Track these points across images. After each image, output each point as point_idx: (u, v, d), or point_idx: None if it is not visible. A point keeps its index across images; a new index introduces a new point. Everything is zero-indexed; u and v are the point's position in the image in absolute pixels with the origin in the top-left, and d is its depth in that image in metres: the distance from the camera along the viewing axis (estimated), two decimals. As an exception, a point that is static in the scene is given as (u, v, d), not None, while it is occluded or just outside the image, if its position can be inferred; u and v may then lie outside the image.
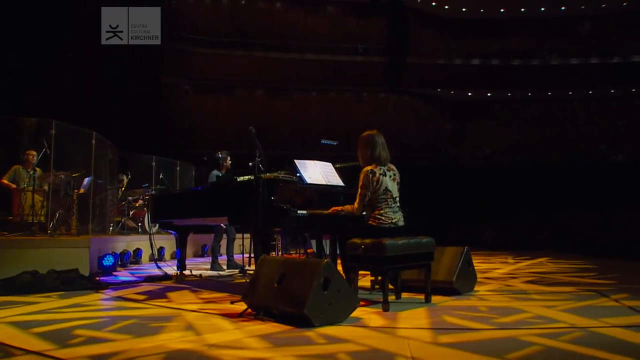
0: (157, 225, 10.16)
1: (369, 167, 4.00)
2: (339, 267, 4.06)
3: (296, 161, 4.45)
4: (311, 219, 4.08)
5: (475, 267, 4.95)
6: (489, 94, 22.68)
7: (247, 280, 4.84)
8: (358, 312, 3.45)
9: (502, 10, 21.71)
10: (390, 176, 4.04)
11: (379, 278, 4.74)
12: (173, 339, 2.82)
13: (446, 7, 21.68)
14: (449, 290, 4.40)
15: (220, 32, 20.38)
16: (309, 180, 4.41)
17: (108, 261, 6.67)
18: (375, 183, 3.94)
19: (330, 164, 4.84)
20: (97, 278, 5.88)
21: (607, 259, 8.71)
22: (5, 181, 7.46)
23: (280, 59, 20.43)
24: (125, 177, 10.36)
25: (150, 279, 5.95)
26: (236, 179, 4.45)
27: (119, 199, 10.01)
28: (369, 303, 3.99)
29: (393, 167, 4.13)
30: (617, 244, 9.75)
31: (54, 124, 7.04)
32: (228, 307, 3.86)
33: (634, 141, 19.89)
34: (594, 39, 21.32)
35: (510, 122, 22.67)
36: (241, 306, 3.58)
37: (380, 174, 3.98)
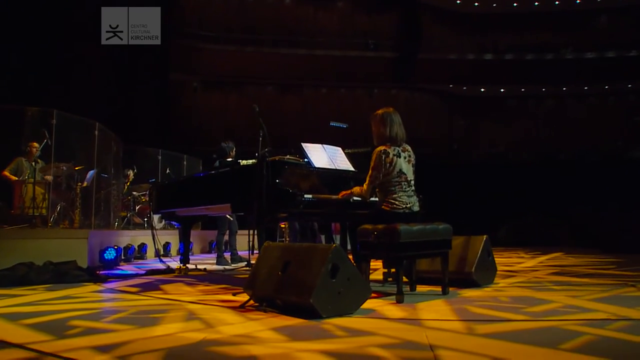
0: (164, 221, 9.97)
1: (382, 147, 3.70)
2: (350, 258, 3.77)
3: (303, 144, 4.18)
4: (319, 204, 3.78)
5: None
6: (502, 90, 22.25)
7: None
8: (370, 304, 3.17)
9: (515, 4, 21.27)
10: (405, 157, 3.74)
11: (392, 270, 4.45)
12: (176, 331, 2.55)
13: (458, 1, 21.28)
14: (467, 281, 4.10)
15: (229, 28, 20.17)
16: (316, 164, 4.12)
17: (110, 255, 6.44)
18: (388, 165, 3.65)
19: (339, 149, 4.56)
20: (98, 272, 5.66)
21: (625, 254, 8.43)
22: (6, 173, 7.27)
23: (290, 54, 20.19)
24: (131, 172, 10.16)
25: (152, 272, 5.70)
26: (239, 162, 4.18)
27: (125, 193, 9.81)
28: (382, 295, 3.70)
29: (408, 148, 3.83)
30: (634, 240, 9.45)
31: (55, 114, 6.84)
32: (230, 298, 3.59)
33: (652, 137, 19.42)
34: (610, 32, 20.80)
35: (524, 118, 22.22)
36: (244, 298, 3.31)
37: (394, 155, 3.68)
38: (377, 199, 3.82)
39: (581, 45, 20.91)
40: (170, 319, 2.88)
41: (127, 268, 6.59)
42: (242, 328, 2.61)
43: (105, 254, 6.41)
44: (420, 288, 4.05)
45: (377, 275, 4.69)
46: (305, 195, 3.64)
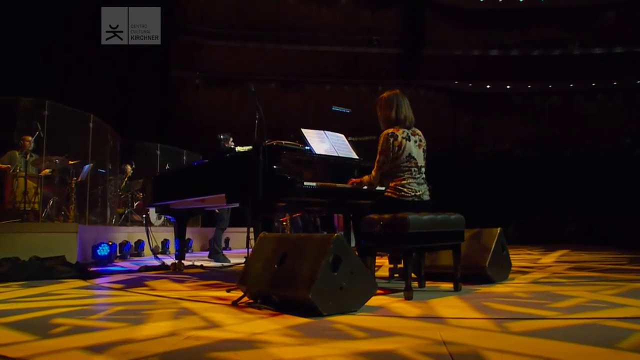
0: (162, 217, 9.71)
1: (389, 130, 3.40)
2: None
3: (303, 130, 3.89)
4: (321, 193, 3.49)
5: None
6: (508, 86, 21.93)
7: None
8: (375, 301, 2.88)
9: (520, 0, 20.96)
10: (415, 141, 3.44)
11: (399, 266, 4.17)
12: (169, 330, 2.26)
13: (462, -3, 21.00)
14: (480, 277, 3.80)
15: (231, 25, 19.91)
16: (317, 151, 3.83)
17: (103, 251, 6.19)
18: (396, 148, 3.34)
19: (342, 135, 4.27)
20: (90, 268, 5.40)
21: (636, 250, 8.14)
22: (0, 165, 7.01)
23: (292, 51, 19.94)
24: (129, 167, 9.89)
25: (146, 268, 5.44)
26: (234, 149, 3.90)
27: (122, 189, 9.54)
28: (388, 291, 3.42)
29: (419, 132, 3.52)
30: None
31: (47, 105, 6.57)
32: (224, 295, 3.31)
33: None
34: (618, 27, 20.43)
35: (530, 115, 21.90)
36: (238, 294, 3.03)
37: (403, 138, 3.37)
38: (383, 187, 3.53)
39: (588, 40, 20.55)
40: (159, 317, 2.61)
41: (122, 265, 6.33)
42: (245, 328, 2.30)
43: (98, 250, 6.16)
44: (428, 284, 3.76)
45: (382, 272, 4.42)
46: (306, 183, 3.35)
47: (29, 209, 6.66)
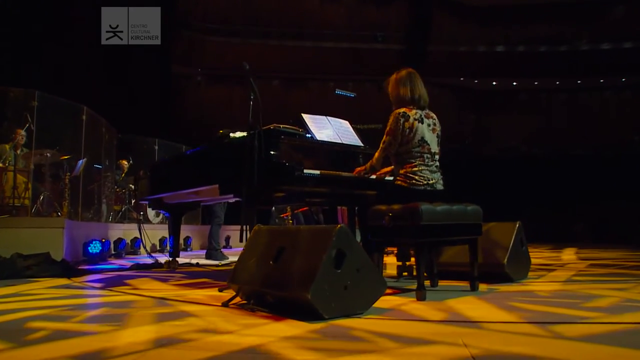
0: (160, 215, 9.41)
1: (400, 109, 3.06)
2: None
3: (304, 115, 3.56)
4: (324, 181, 3.15)
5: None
6: (514, 83, 21.57)
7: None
8: (385, 302, 2.56)
9: (527, -5, 20.58)
10: (428, 125, 3.10)
11: (408, 263, 3.84)
12: (155, 336, 1.94)
13: (467, -8, 20.64)
14: (498, 275, 3.45)
15: (233, 21, 19.64)
16: (319, 137, 3.49)
17: (95, 248, 5.87)
18: (407, 130, 3.00)
19: (346, 122, 3.93)
20: (80, 266, 5.09)
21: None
22: None
23: (296, 47, 19.67)
24: (126, 163, 9.58)
25: (137, 267, 5.12)
26: (229, 135, 3.57)
27: (119, 185, 9.23)
28: (398, 291, 3.08)
29: (433, 115, 3.19)
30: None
31: (36, 95, 6.26)
32: (216, 294, 2.99)
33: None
34: (627, 22, 20.02)
35: (536, 112, 21.57)
36: (231, 293, 2.70)
37: (415, 119, 3.03)
38: (391, 178, 3.20)
39: (596, 36, 20.16)
40: (138, 320, 2.28)
41: (115, 263, 6.02)
42: (245, 338, 1.91)
43: (89, 247, 5.84)
44: (442, 283, 3.42)
45: (388, 270, 4.09)
46: (307, 171, 3.01)
47: (19, 204, 6.35)
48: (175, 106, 17.90)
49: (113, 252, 7.05)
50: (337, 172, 3.28)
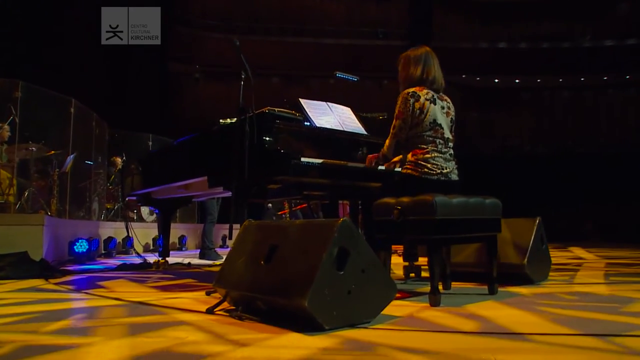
0: (155, 213, 9.07)
1: (410, 89, 2.70)
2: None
3: (302, 100, 3.22)
4: (324, 171, 2.80)
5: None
6: (516, 80, 21.29)
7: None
8: (394, 308, 2.21)
9: (531, -9, 20.30)
10: (442, 107, 2.75)
11: (416, 263, 3.51)
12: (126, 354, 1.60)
13: (470, -12, 20.36)
14: (517, 276, 3.11)
15: (232, 17, 19.37)
16: (318, 123, 3.15)
17: (81, 247, 5.54)
18: (417, 111, 2.64)
19: (348, 108, 3.60)
20: (64, 267, 4.77)
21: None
22: None
23: (295, 44, 19.41)
24: (119, 159, 9.23)
25: (124, 267, 4.78)
26: (219, 122, 3.24)
27: (111, 182, 8.89)
28: (407, 295, 2.75)
29: (447, 98, 2.85)
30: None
31: (20, 85, 5.93)
32: (203, 298, 2.66)
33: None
34: (631, 18, 19.72)
35: (539, 110, 21.30)
36: (218, 297, 2.36)
37: (426, 100, 2.68)
38: (399, 169, 2.86)
39: (600, 32, 19.86)
40: (110, 332, 1.95)
41: (103, 262, 5.68)
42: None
43: (75, 247, 5.51)
44: (455, 285, 3.08)
45: (394, 270, 3.75)
46: (304, 159, 2.67)
47: (3, 201, 6.02)
48: (174, 103, 17.62)
49: (103, 252, 6.73)
50: (345, 162, 2.93)
